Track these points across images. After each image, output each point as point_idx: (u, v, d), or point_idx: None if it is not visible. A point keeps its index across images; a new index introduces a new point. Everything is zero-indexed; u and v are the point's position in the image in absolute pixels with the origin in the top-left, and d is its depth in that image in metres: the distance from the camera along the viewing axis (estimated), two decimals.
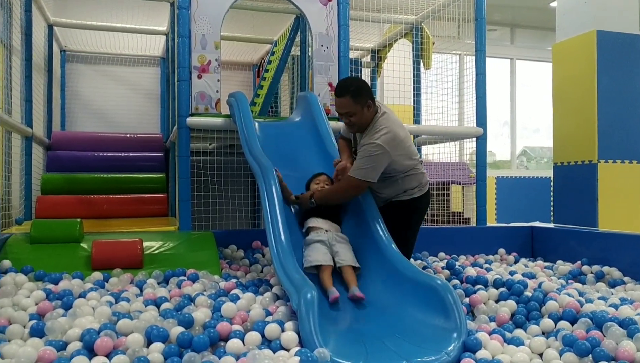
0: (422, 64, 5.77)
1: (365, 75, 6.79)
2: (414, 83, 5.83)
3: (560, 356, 2.20)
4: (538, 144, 11.36)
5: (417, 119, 5.83)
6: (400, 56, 5.68)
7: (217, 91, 4.22)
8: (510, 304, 2.87)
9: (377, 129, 3.11)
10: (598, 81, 5.05)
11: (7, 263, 3.21)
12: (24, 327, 2.36)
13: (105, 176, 5.13)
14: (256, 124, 3.91)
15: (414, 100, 5.95)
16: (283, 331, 2.33)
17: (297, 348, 2.20)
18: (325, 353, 2.07)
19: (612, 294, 3.24)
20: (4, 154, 4.66)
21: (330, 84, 4.52)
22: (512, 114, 10.32)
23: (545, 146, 10.96)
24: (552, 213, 5.72)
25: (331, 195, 3.21)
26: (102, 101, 7.21)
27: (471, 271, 3.52)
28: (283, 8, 5.54)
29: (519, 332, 2.52)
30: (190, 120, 4.12)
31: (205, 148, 5.24)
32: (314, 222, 3.16)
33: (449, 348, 2.18)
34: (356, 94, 3.11)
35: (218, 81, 4.24)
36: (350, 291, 2.79)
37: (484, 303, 2.96)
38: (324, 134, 3.80)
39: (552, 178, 5.65)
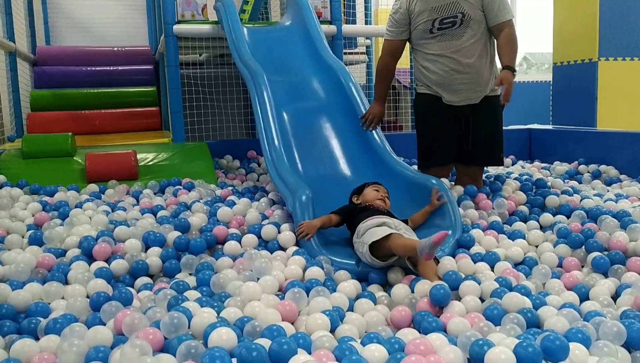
0: None
1: None
2: None
3: (554, 247, 2.23)
4: (539, 50, 11.07)
5: None
6: None
7: None
8: (520, 195, 2.85)
9: None
10: None
11: (1, 178, 3.19)
12: (23, 237, 2.38)
13: (95, 91, 5.00)
14: (245, 30, 3.77)
15: None
16: (279, 233, 2.35)
17: (295, 248, 2.22)
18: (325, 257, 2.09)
19: (608, 191, 3.26)
20: None
21: None
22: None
23: (547, 51, 10.68)
24: (550, 116, 5.64)
25: (516, 48, 2.82)
26: (87, 14, 6.92)
27: None
28: None
29: (519, 225, 2.53)
30: (177, 28, 3.96)
31: (195, 60, 5.09)
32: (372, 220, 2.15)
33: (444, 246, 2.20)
34: None
35: None
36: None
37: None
38: (316, 38, 3.66)
39: (552, 81, 5.53)
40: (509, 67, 2.71)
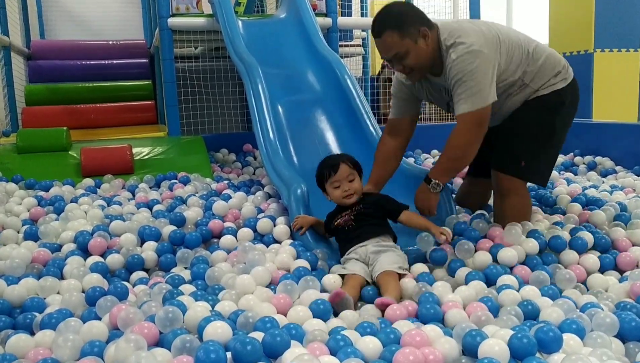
0: None
1: None
2: None
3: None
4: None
5: None
6: None
7: None
8: None
9: (454, 52, 2.07)
10: None
11: None
12: (18, 232, 2.37)
13: (90, 85, 4.98)
14: (240, 23, 3.76)
15: None
16: (275, 226, 2.35)
17: (290, 241, 2.22)
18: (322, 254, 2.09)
19: (603, 182, 3.26)
20: None
21: None
22: (508, 13, 9.98)
23: (543, 43, 10.67)
24: None
25: (456, 154, 2.14)
26: (81, 7, 6.88)
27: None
28: None
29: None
30: (172, 21, 3.95)
31: (191, 53, 5.07)
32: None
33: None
34: (400, 24, 2.07)
35: None
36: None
37: None
38: (311, 30, 3.66)
39: None
40: (427, 179, 2.17)
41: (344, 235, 2.08)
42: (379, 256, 1.93)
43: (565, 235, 2.09)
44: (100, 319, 1.53)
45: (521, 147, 2.25)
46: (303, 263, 1.95)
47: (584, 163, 3.81)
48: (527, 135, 2.25)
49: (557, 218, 2.39)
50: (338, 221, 2.10)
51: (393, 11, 2.10)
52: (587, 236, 2.07)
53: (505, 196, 2.27)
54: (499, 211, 2.31)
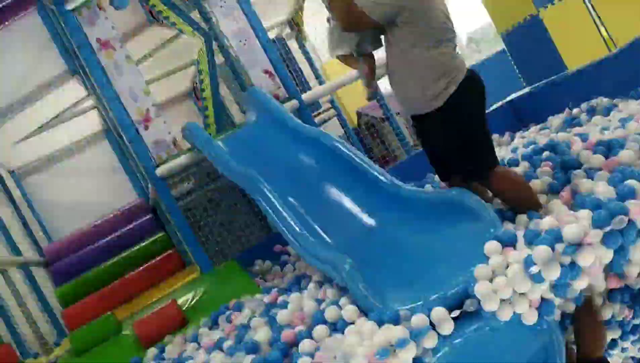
0: None
1: (294, 49, 6.74)
2: None
3: None
4: (478, 26, 11.26)
5: None
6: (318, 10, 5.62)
7: (169, 133, 4.19)
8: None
9: None
10: None
11: None
12: None
13: (112, 261, 5.08)
14: (220, 143, 3.89)
15: None
16: (341, 309, 2.34)
17: (363, 318, 2.21)
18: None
19: (610, 121, 3.27)
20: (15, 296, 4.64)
21: (266, 71, 4.49)
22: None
23: (487, 22, 10.87)
24: (522, 81, 5.71)
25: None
26: (72, 195, 7.13)
27: None
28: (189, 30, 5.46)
29: None
30: (160, 170, 4.07)
31: (187, 188, 5.20)
32: None
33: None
34: None
35: (165, 122, 4.20)
36: None
37: None
38: (285, 119, 3.78)
39: (506, 50, 5.63)
40: None
41: None
42: None
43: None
44: None
45: (460, 154, 2.47)
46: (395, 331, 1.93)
47: (582, 111, 3.81)
48: (455, 142, 2.46)
49: None
50: None
51: None
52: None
53: (498, 193, 2.50)
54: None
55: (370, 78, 2.85)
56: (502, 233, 2.22)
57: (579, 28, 4.92)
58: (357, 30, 2.63)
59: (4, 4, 4.72)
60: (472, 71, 2.53)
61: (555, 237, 1.99)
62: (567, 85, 4.15)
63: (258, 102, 4.05)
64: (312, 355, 2.11)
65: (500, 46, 8.93)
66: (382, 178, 3.08)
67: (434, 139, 2.56)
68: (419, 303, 2.12)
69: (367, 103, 5.91)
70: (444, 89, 2.41)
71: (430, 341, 1.94)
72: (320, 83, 6.48)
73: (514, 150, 3.59)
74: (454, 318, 1.97)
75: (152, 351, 3.18)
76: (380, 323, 2.04)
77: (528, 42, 5.21)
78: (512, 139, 4.35)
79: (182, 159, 4.12)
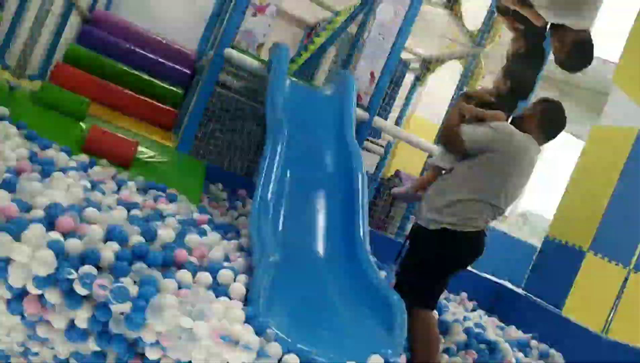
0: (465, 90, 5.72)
1: (408, 79, 6.75)
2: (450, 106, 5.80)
3: None
4: (540, 212, 11.32)
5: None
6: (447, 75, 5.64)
7: (264, 35, 4.20)
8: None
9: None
10: (621, 177, 5.00)
11: (4, 110, 3.17)
12: None
13: (128, 69, 5.09)
14: (288, 81, 3.89)
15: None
16: (235, 281, 2.34)
17: (240, 303, 2.20)
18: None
19: None
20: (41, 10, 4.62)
21: (372, 73, 4.48)
22: None
23: (546, 216, 10.93)
24: (524, 280, 5.70)
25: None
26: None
27: None
28: None
29: None
30: (228, 51, 4.08)
31: (230, 83, 5.21)
32: None
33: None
34: None
35: (269, 25, 4.21)
36: None
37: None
38: (347, 117, 3.77)
39: (539, 248, 5.63)
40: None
41: None
42: None
43: None
44: None
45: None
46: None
47: (537, 349, 3.79)
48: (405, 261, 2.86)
49: None
50: None
51: None
52: None
53: (408, 330, 2.45)
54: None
55: (418, 186, 2.99)
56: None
57: (602, 291, 4.93)
58: (448, 148, 2.83)
59: None
60: (466, 234, 2.64)
61: None
62: (550, 320, 4.14)
63: (343, 86, 4.04)
64: (179, 286, 2.10)
65: (535, 242, 8.99)
66: (360, 233, 3.05)
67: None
68: (296, 344, 2.05)
69: (408, 171, 5.92)
70: (435, 221, 2.67)
71: None
72: (396, 124, 6.49)
73: (465, 318, 3.59)
74: None
75: (84, 157, 3.17)
76: (247, 321, 2.04)
77: (558, 261, 5.22)
78: (474, 310, 4.34)
79: (252, 63, 4.13)
